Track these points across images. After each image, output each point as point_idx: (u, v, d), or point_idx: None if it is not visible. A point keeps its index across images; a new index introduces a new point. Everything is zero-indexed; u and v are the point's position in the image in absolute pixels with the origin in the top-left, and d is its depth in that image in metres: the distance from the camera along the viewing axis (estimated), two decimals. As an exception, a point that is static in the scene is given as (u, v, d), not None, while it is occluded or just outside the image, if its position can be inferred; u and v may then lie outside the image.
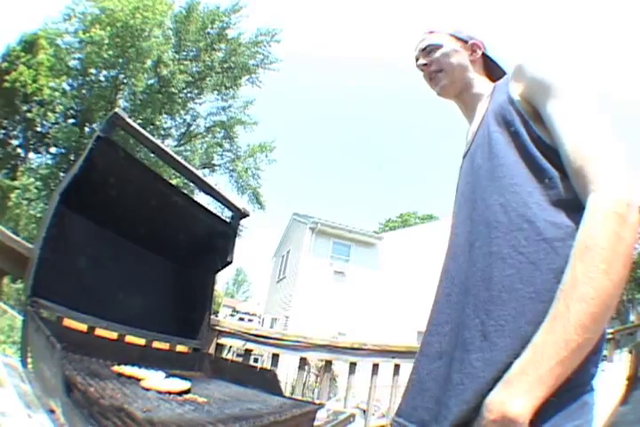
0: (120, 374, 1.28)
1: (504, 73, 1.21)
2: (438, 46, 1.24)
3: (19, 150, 19.93)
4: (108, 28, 15.12)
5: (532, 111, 0.92)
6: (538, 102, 0.91)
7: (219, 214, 2.15)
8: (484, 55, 1.26)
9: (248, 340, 3.01)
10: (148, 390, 1.21)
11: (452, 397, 0.79)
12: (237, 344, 3.10)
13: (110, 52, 15.32)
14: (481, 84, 1.22)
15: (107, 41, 15.09)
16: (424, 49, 1.26)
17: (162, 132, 17.78)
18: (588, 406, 0.74)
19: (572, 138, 0.81)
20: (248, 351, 3.08)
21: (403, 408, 0.95)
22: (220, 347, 2.91)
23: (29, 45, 18.40)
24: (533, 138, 0.89)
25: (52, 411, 0.94)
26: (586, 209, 0.75)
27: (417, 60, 1.29)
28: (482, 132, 1.04)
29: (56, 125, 16.41)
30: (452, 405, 0.78)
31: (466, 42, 1.24)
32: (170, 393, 1.24)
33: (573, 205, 0.79)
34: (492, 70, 1.27)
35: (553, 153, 0.85)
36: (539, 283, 0.76)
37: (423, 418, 0.85)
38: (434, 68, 1.25)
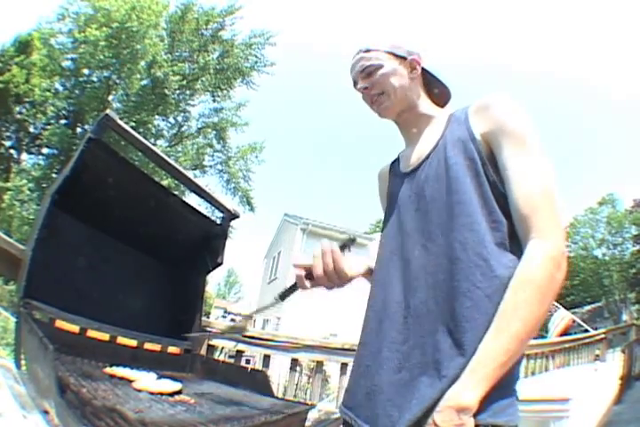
0: (112, 376, 1.29)
1: (443, 85, 1.26)
2: (378, 67, 1.18)
3: (11, 151, 19.79)
4: (104, 29, 14.97)
5: (488, 153, 1.01)
6: (495, 146, 1.00)
7: (209, 216, 2.16)
8: (423, 69, 1.22)
9: (239, 341, 3.02)
10: (139, 391, 1.22)
11: (413, 399, 0.91)
12: (229, 345, 3.11)
13: (105, 53, 15.16)
14: (424, 103, 1.22)
15: (102, 42, 14.94)
16: (362, 71, 1.20)
17: (154, 132, 17.66)
18: (515, 406, 0.89)
19: (522, 188, 0.94)
20: (239, 352, 3.09)
21: (362, 414, 1.03)
22: (211, 348, 2.92)
23: (23, 46, 18.30)
24: (489, 181, 0.98)
25: (47, 412, 0.95)
26: (528, 251, 0.90)
27: (355, 82, 1.24)
28: (436, 160, 1.08)
29: (48, 126, 16.26)
30: (413, 405, 0.90)
31: (404, 58, 1.19)
32: (161, 394, 1.25)
33: (512, 248, 0.93)
34: (431, 83, 1.25)
35: (503, 198, 0.96)
36: (492, 313, 0.88)
37: (386, 424, 0.94)
38: (375, 91, 1.19)
